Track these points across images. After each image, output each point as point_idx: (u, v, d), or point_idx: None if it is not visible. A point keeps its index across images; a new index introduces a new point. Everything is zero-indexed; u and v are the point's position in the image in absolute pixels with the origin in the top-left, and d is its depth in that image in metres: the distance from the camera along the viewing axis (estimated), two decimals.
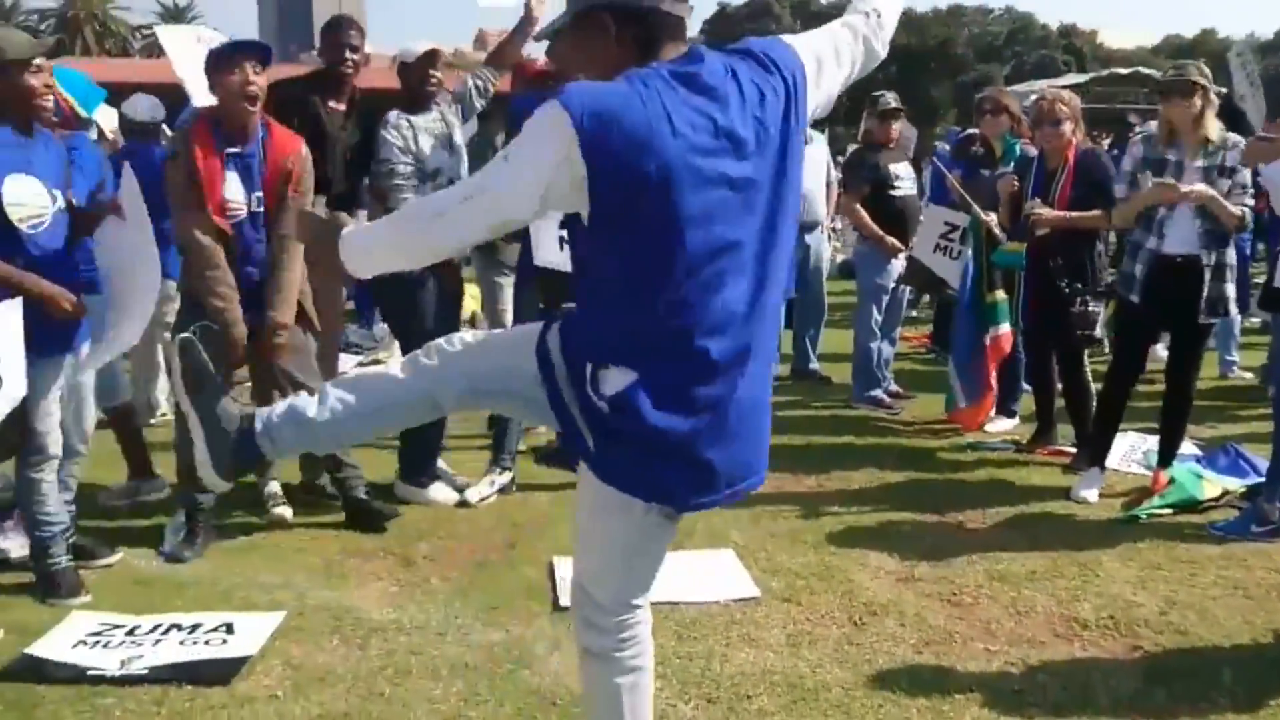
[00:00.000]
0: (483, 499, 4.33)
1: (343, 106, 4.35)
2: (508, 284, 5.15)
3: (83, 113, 4.83)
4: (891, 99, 6.03)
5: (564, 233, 4.02)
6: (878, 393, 5.99)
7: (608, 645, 2.08)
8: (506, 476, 4.44)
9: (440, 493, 4.36)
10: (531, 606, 3.33)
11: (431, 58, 4.24)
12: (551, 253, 4.12)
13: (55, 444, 3.33)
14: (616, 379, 1.85)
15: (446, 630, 3.17)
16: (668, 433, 1.85)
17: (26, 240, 3.16)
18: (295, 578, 3.57)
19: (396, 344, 5.91)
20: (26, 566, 3.52)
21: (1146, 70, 28.07)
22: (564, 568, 3.59)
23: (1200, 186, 3.99)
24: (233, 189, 3.62)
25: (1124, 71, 29.08)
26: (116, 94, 7.22)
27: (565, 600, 3.32)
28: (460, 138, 4.41)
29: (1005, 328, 5.01)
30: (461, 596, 3.41)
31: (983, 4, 54.54)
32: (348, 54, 4.30)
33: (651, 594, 3.35)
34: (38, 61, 3.18)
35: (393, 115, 4.22)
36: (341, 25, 4.37)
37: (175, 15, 68.05)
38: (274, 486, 4.20)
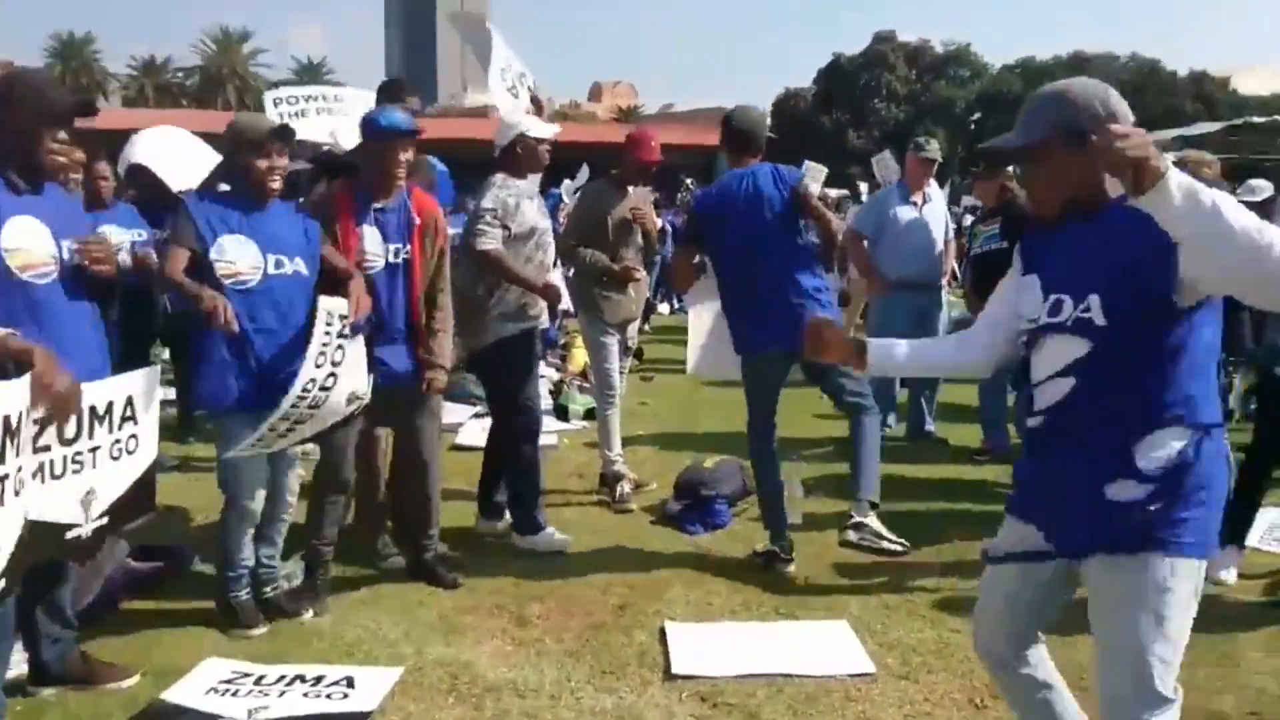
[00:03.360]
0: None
1: None
2: (613, 342, 5.27)
3: None
4: None
5: None
6: None
7: None
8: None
9: (552, 539, 4.50)
10: (643, 673, 3.33)
11: (547, 141, 4.55)
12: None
13: (247, 495, 3.57)
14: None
15: (560, 694, 3.19)
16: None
17: (229, 294, 3.39)
18: (415, 632, 3.65)
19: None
20: (168, 612, 3.71)
21: None
22: (677, 634, 3.59)
23: None
24: (370, 242, 3.85)
25: (1260, 120, 27.74)
26: None
27: (678, 668, 3.32)
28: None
29: None
30: (574, 659, 3.43)
31: (1108, 50, 53.35)
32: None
33: (765, 665, 3.34)
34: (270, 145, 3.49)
35: (499, 179, 4.48)
36: (397, 89, 4.56)
37: (310, 71, 71.81)
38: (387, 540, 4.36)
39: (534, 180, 4.66)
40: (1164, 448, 2.00)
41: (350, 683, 3.23)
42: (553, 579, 4.16)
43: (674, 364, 10.03)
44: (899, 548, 4.31)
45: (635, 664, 3.39)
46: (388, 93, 4.49)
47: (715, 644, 3.52)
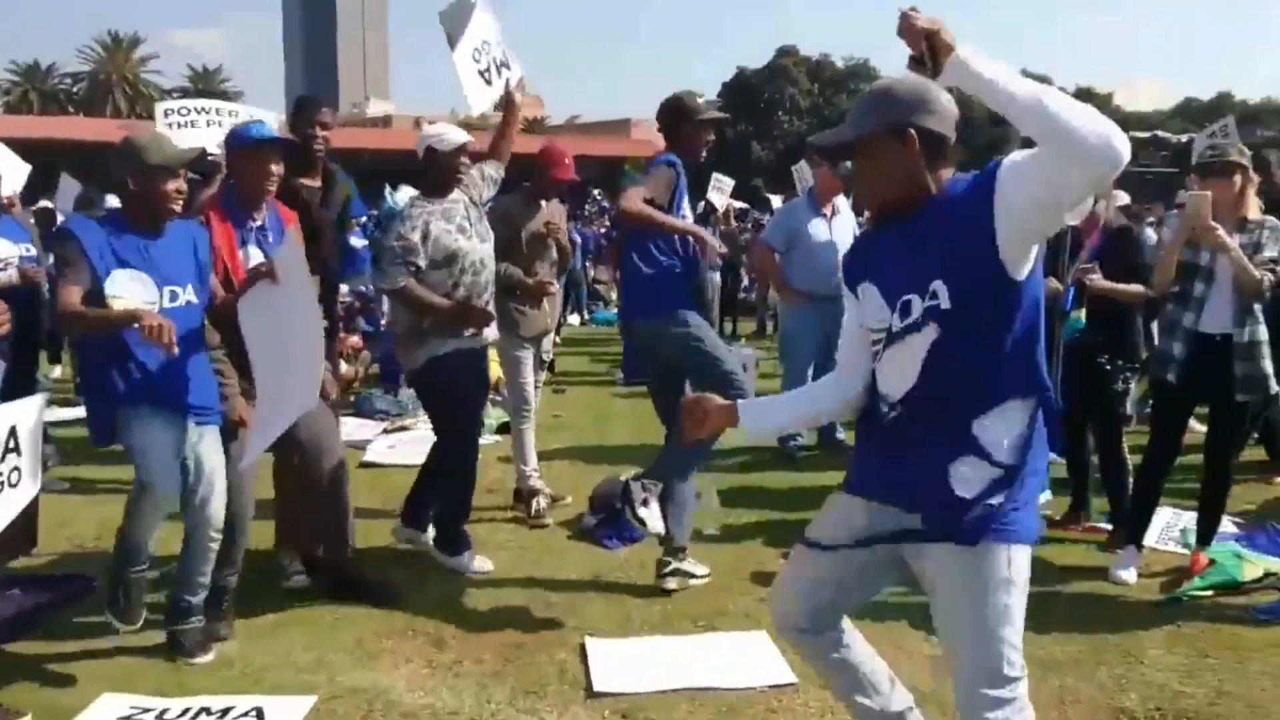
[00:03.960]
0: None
1: (316, 182, 4.39)
2: (527, 357, 5.22)
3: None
4: None
5: None
6: None
7: None
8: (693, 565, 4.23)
9: (476, 561, 4.40)
10: (565, 691, 3.28)
11: (463, 150, 4.33)
12: None
13: (168, 482, 3.35)
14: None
15: (479, 716, 3.12)
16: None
17: (127, 333, 3.19)
18: (328, 657, 3.53)
19: (422, 413, 5.98)
20: (58, 646, 3.51)
21: (1164, 134, 28.11)
22: (597, 650, 3.55)
23: (1230, 240, 3.95)
24: (256, 261, 3.68)
25: (1142, 135, 29.15)
26: None
27: (600, 685, 3.28)
28: (480, 217, 4.49)
29: None
30: (494, 680, 3.36)
31: None
32: (319, 131, 4.32)
33: (687, 679, 3.33)
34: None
35: (409, 205, 4.33)
36: (312, 105, 4.43)
37: (205, 78, 69.73)
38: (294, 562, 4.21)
39: (459, 195, 4.37)
40: (1008, 429, 2.07)
41: (260, 714, 3.10)
42: (470, 598, 4.08)
43: (586, 376, 10.01)
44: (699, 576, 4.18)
45: (556, 682, 3.34)
46: (303, 110, 4.36)
47: (636, 659, 3.49)
